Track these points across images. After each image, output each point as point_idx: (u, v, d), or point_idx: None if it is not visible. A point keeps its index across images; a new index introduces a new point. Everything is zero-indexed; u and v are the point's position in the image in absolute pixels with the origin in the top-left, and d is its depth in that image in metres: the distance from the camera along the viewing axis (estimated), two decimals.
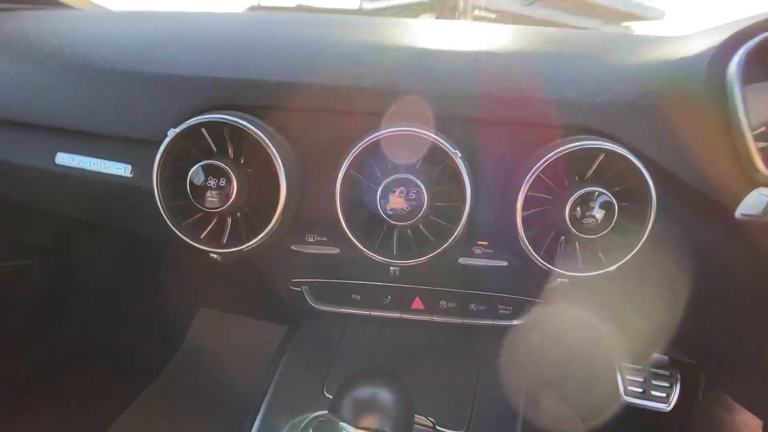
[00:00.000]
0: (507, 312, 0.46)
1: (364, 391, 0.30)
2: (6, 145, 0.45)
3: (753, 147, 0.32)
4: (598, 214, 0.32)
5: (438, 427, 0.47)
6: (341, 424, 0.29)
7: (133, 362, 0.93)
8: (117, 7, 0.81)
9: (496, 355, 0.57)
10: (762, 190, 0.25)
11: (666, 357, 0.65)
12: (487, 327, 0.47)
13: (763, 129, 0.35)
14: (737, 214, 0.27)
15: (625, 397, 0.64)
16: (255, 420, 0.46)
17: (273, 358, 0.55)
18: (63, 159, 0.40)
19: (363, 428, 0.28)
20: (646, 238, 0.33)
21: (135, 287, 0.97)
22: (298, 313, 0.55)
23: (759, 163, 0.32)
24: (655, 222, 0.33)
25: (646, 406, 0.62)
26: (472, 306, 0.46)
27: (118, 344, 0.91)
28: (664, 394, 0.64)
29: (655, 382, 0.65)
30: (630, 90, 0.35)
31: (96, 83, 0.40)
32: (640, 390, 0.65)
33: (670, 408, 0.62)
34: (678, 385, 0.64)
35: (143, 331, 0.98)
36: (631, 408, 0.63)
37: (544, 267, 0.34)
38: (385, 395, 0.31)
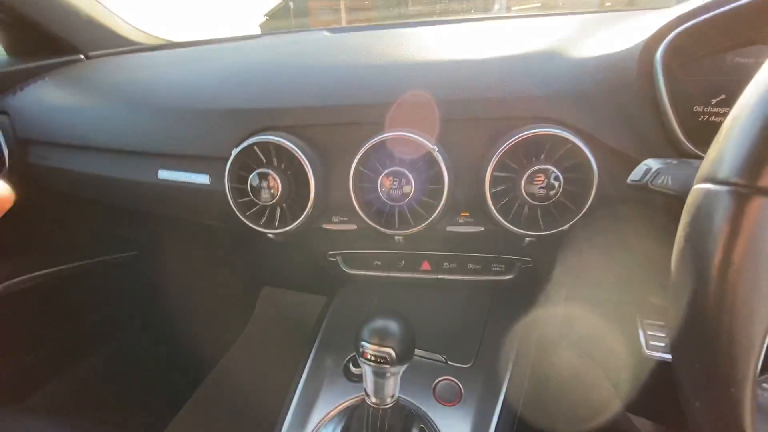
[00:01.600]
0: (500, 269, 0.57)
1: (378, 322, 0.43)
2: (118, 166, 0.63)
3: (675, 123, 0.39)
4: (546, 186, 0.41)
5: (449, 362, 0.60)
6: (361, 342, 0.42)
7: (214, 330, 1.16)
8: (169, 32, 0.99)
9: (502, 307, 0.68)
10: (647, 161, 0.33)
11: None
12: (486, 281, 0.58)
13: (688, 109, 0.41)
14: (627, 180, 0.35)
15: (647, 351, 0.71)
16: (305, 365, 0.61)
17: (316, 321, 0.71)
18: (163, 174, 0.57)
19: (374, 344, 0.41)
20: (593, 203, 0.42)
21: (212, 272, 1.19)
22: (335, 280, 0.69)
23: (680, 136, 0.39)
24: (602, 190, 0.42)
25: (667, 359, 0.68)
26: (470, 265, 0.57)
27: (199, 318, 1.14)
28: None
29: None
30: (576, 81, 0.43)
31: (179, 119, 0.56)
32: (662, 344, 0.70)
33: None
34: None
35: (219, 306, 1.21)
36: (653, 362, 0.69)
37: (509, 229, 0.44)
38: (393, 324, 0.43)
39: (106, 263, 1.07)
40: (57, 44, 0.86)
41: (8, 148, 0.71)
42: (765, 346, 0.22)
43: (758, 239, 0.21)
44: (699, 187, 0.23)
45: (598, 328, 0.84)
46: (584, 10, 0.69)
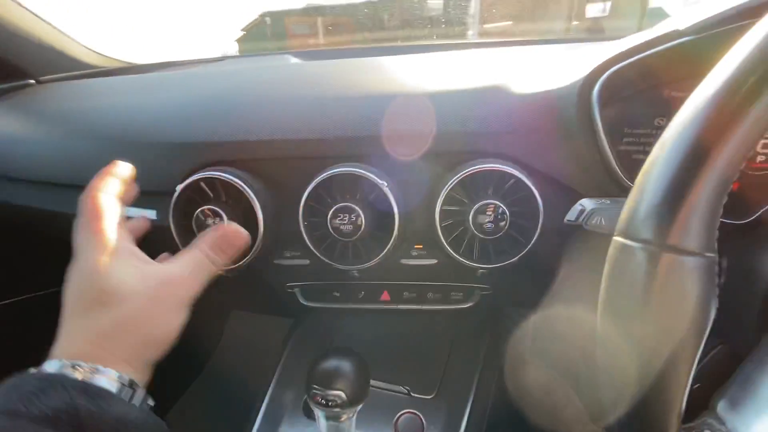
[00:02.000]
0: (459, 297, 0.56)
1: (328, 363, 0.42)
2: (62, 199, 0.60)
3: (613, 160, 0.40)
4: (494, 219, 0.42)
5: (412, 394, 0.59)
6: (312, 385, 0.41)
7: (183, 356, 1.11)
8: (137, 50, 0.97)
9: (466, 333, 0.67)
10: (582, 201, 0.34)
11: None
12: (446, 310, 0.58)
13: (626, 140, 0.43)
14: (564, 220, 0.35)
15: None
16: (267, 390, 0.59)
17: (282, 344, 0.68)
18: None
19: (324, 387, 0.40)
20: (540, 235, 0.43)
21: None
22: (296, 310, 0.67)
23: (618, 172, 0.40)
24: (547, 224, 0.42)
25: None
26: (430, 294, 0.56)
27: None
28: None
29: None
30: (520, 118, 0.44)
31: (125, 151, 0.53)
32: None
33: None
34: None
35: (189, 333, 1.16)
36: None
37: (462, 263, 0.44)
38: (344, 365, 0.42)
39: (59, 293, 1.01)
40: (6, 69, 0.83)
41: None
42: (686, 396, 0.22)
43: (672, 296, 0.21)
44: (616, 239, 0.23)
45: (567, 348, 0.85)
46: (549, 37, 0.71)
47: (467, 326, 0.67)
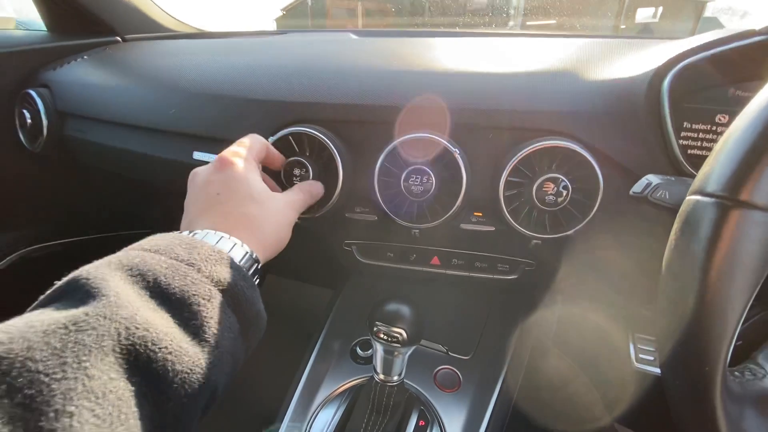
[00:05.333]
0: (505, 269, 0.61)
1: (392, 305, 0.47)
2: (154, 144, 0.67)
3: (677, 146, 0.43)
4: (555, 193, 0.46)
5: (450, 353, 0.64)
6: (375, 321, 0.46)
7: None
8: (200, 21, 1.03)
9: (501, 308, 0.72)
10: (648, 176, 0.37)
11: None
12: (490, 280, 0.62)
13: (683, 134, 0.46)
14: (630, 192, 0.39)
15: (636, 364, 0.74)
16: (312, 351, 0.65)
17: (326, 307, 0.74)
18: (198, 155, 0.61)
19: (387, 324, 0.45)
20: (597, 212, 0.46)
21: None
22: (343, 271, 0.73)
23: (680, 157, 0.43)
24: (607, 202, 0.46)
25: (656, 372, 0.72)
26: (477, 263, 0.61)
27: None
28: None
29: None
30: (590, 102, 0.47)
31: (217, 105, 0.60)
32: (651, 358, 0.73)
33: None
34: None
35: None
36: (642, 375, 0.72)
37: (518, 230, 0.48)
38: (405, 308, 0.47)
39: (121, 238, 1.11)
40: (96, 25, 0.90)
41: (47, 119, 0.75)
42: (734, 337, 0.26)
43: (737, 245, 0.25)
44: (690, 198, 0.27)
45: (589, 338, 0.87)
46: (600, 33, 0.73)
47: (505, 300, 0.72)
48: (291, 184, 0.51)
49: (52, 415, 0.18)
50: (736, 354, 0.31)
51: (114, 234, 1.08)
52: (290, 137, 0.52)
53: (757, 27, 0.40)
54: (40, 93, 0.76)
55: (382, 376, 0.49)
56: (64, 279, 0.25)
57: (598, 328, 0.83)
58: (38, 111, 0.75)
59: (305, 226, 0.57)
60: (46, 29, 0.92)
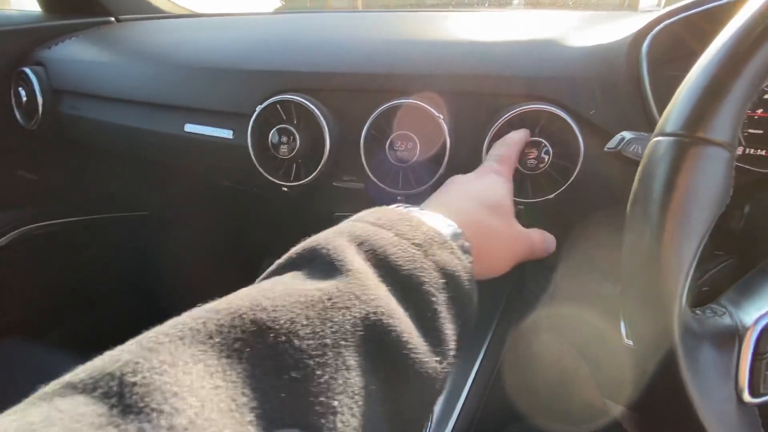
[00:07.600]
0: None
1: None
2: (146, 118, 0.68)
3: (654, 108, 0.44)
4: (537, 157, 0.46)
5: None
6: None
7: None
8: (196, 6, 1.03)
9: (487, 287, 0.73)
10: (623, 132, 0.38)
11: None
12: None
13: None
14: (605, 148, 0.40)
15: (626, 339, 0.76)
16: None
17: None
18: (189, 128, 0.62)
19: None
20: (577, 176, 0.47)
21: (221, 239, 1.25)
22: None
23: (657, 117, 0.44)
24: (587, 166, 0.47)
25: None
26: None
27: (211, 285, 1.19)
28: None
29: None
30: (570, 66, 0.48)
31: (206, 77, 0.61)
32: None
33: None
34: None
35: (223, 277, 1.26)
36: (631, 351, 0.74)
37: None
38: None
39: (118, 219, 1.12)
40: (91, 6, 0.91)
41: (42, 96, 0.76)
42: (691, 271, 0.27)
43: (694, 180, 0.26)
44: (652, 141, 0.28)
45: (581, 315, 0.89)
46: (589, 7, 0.74)
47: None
48: (278, 153, 0.52)
49: (318, 408, 0.15)
50: (703, 300, 0.32)
51: (114, 215, 1.10)
52: (278, 105, 0.53)
53: None
54: (35, 71, 0.77)
55: None
56: (301, 245, 0.23)
57: (590, 306, 0.84)
58: (33, 89, 0.76)
59: (294, 197, 0.58)
60: (40, 9, 0.93)
